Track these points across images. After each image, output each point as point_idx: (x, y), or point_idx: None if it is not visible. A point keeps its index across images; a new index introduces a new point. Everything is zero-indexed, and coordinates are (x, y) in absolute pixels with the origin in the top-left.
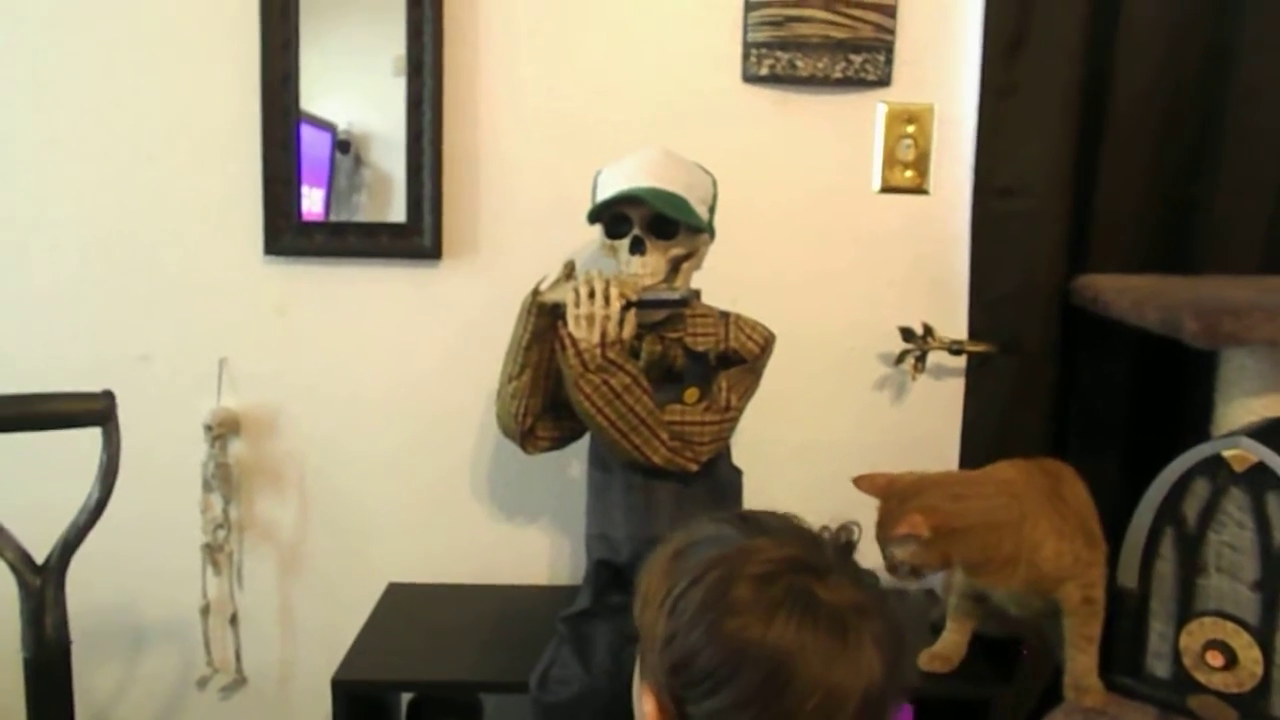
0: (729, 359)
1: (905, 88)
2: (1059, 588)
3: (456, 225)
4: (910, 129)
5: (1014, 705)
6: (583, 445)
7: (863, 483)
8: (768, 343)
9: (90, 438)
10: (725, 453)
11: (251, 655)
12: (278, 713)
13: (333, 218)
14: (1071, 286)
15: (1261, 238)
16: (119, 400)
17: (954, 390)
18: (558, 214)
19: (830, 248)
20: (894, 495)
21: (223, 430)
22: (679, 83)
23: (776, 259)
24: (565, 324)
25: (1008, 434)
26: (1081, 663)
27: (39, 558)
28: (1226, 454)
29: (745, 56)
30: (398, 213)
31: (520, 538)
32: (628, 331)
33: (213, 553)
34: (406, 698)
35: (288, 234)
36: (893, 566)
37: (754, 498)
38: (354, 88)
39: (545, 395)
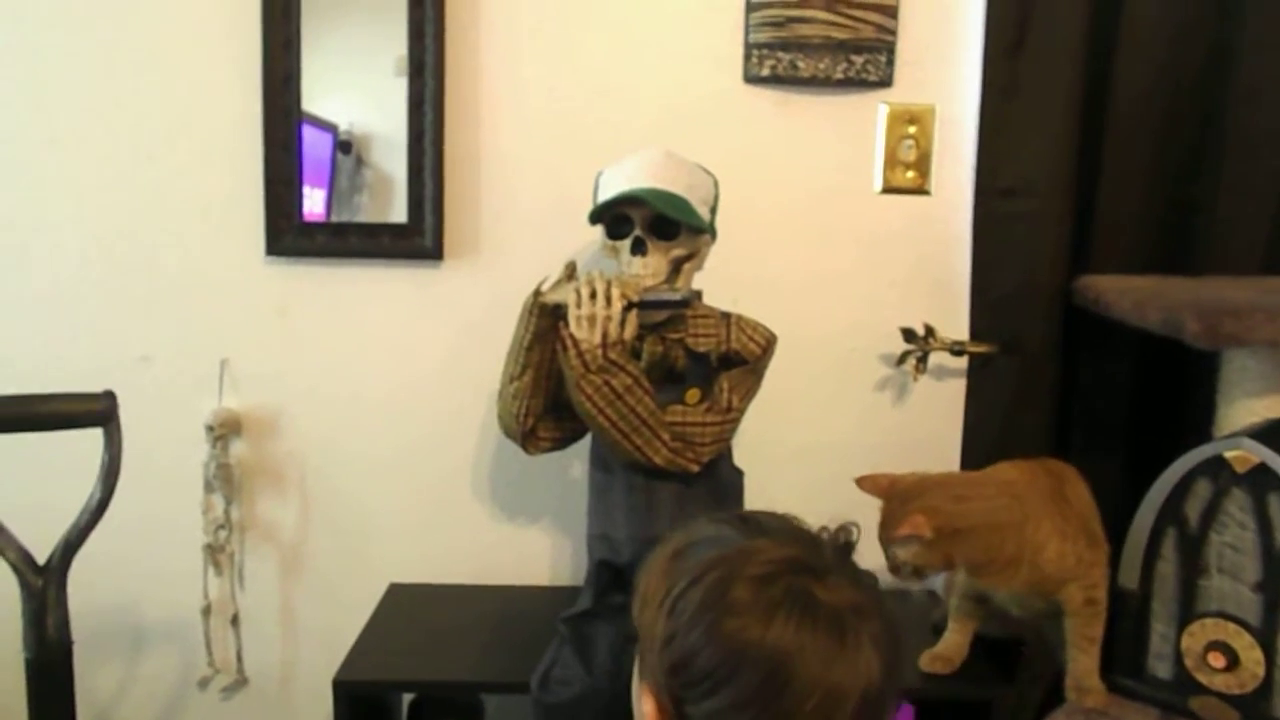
0: (730, 360)
1: (906, 88)
2: (1061, 589)
3: (458, 226)
4: (912, 130)
5: (1015, 706)
6: (584, 446)
7: (865, 483)
8: (769, 343)
9: (92, 438)
10: (727, 454)
11: (253, 656)
12: (279, 713)
13: (334, 218)
14: (1073, 287)
15: (1263, 238)
16: (120, 401)
17: (955, 391)
18: (559, 215)
19: (832, 248)
20: (896, 496)
21: (224, 431)
22: (680, 83)
23: (778, 260)
24: (567, 325)
25: (1009, 435)
26: (1083, 664)
27: (41, 558)
28: (1228, 455)
29: (747, 57)
30: (399, 213)
31: (521, 538)
32: (629, 332)
33: (214, 553)
34: (408, 698)
35: (289, 234)
36: (895, 567)
37: (755, 498)
38: (355, 88)
39: (547, 396)
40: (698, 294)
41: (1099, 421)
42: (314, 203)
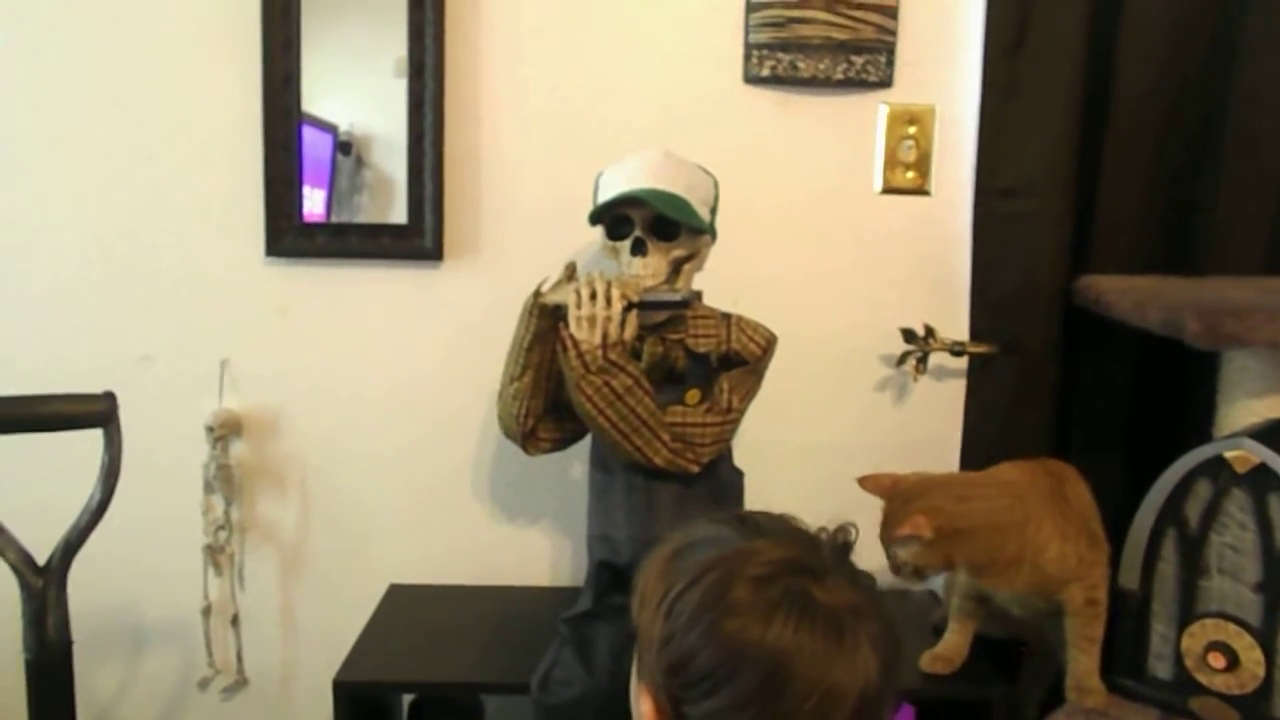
0: (730, 360)
1: (906, 89)
2: (1062, 589)
3: (458, 226)
4: (912, 130)
5: (1015, 707)
6: (584, 446)
7: (867, 483)
8: (769, 344)
9: (92, 439)
10: (727, 454)
11: (253, 656)
12: (279, 714)
13: (334, 219)
14: (1073, 287)
15: (1263, 239)
16: (120, 401)
17: (955, 391)
18: (559, 215)
19: (832, 249)
20: (898, 496)
21: (224, 431)
22: (680, 84)
23: (778, 260)
24: (567, 325)
25: (1009, 435)
26: (1083, 664)
27: (41, 559)
28: (1228, 455)
29: (747, 58)
30: (399, 214)
31: (522, 539)
32: (629, 333)
33: (214, 554)
34: (408, 699)
35: (289, 235)
36: (896, 567)
37: (755, 499)
38: (355, 89)
39: (547, 396)
40: (698, 294)
41: (1099, 422)
42: (314, 203)
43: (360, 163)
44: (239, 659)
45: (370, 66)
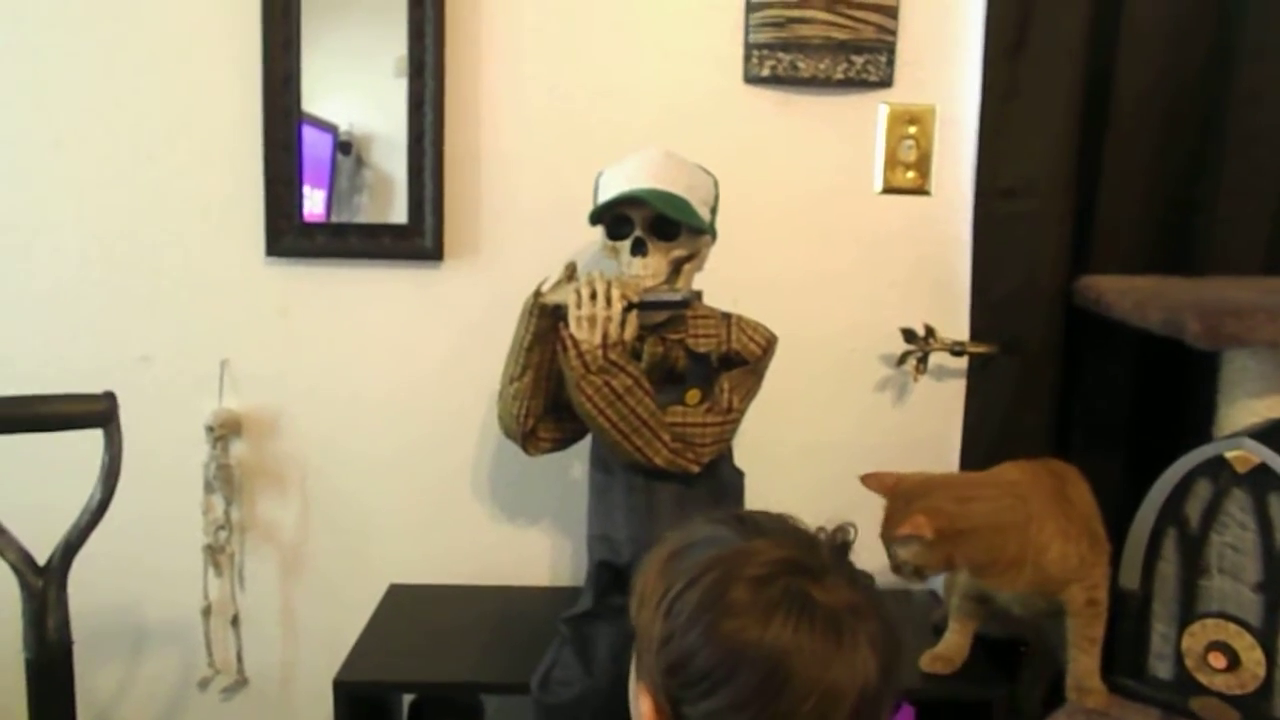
0: (731, 360)
1: (907, 89)
2: (1064, 589)
3: (458, 226)
4: (912, 130)
5: (1016, 707)
6: (584, 446)
7: (870, 481)
8: (769, 344)
9: (92, 439)
10: (727, 454)
11: (253, 656)
12: (279, 714)
13: (334, 219)
14: (1073, 287)
15: (1264, 239)
16: (120, 401)
17: (956, 391)
18: (559, 215)
19: (832, 249)
20: (900, 495)
21: (224, 431)
22: (681, 84)
23: (778, 260)
24: (567, 325)
25: (1009, 435)
26: (1084, 664)
27: (41, 559)
28: (1229, 455)
29: (747, 57)
30: (399, 214)
31: (522, 539)
32: (629, 333)
33: (214, 554)
34: (408, 699)
35: (289, 235)
36: (897, 566)
37: (756, 499)
38: (355, 88)
39: (547, 396)
40: (698, 294)
41: (1099, 422)
42: (314, 203)
43: (360, 162)
44: (239, 659)
45: (370, 66)
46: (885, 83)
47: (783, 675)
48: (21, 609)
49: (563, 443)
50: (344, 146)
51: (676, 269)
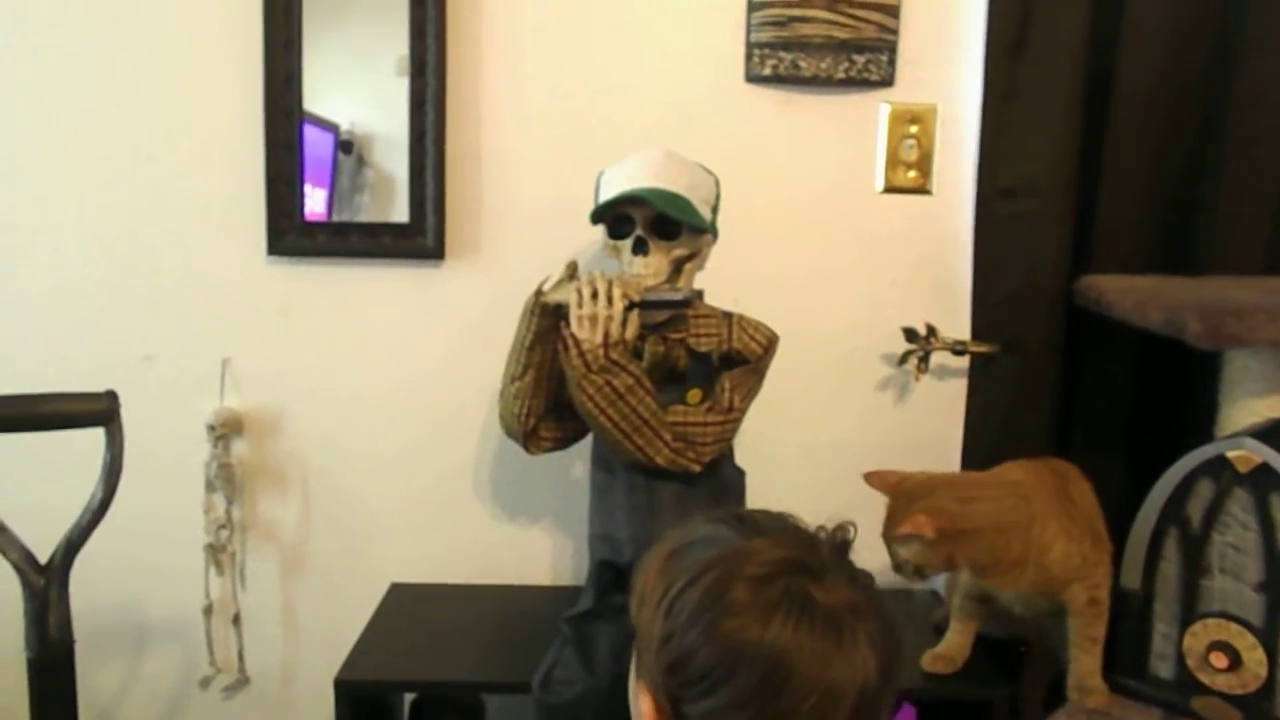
0: (732, 359)
1: (908, 88)
2: (1065, 589)
3: (459, 225)
4: (913, 129)
5: (1019, 706)
6: (585, 446)
7: (873, 479)
8: (771, 343)
9: (93, 438)
10: (728, 453)
11: (254, 655)
12: (280, 713)
13: (335, 218)
14: (1075, 287)
15: (1265, 239)
16: (122, 400)
17: (957, 391)
18: (560, 214)
19: (833, 248)
20: (903, 493)
21: (226, 430)
22: (682, 83)
23: (779, 259)
24: (568, 325)
25: (1010, 435)
26: (1085, 664)
27: (43, 557)
28: (1230, 455)
29: (748, 56)
30: (400, 213)
31: (523, 538)
32: (630, 332)
33: (215, 553)
34: (409, 698)
35: (291, 234)
36: (897, 565)
37: (757, 498)
38: (357, 88)
39: (548, 396)
40: (699, 294)
41: (1100, 422)
42: (315, 202)
43: (361, 162)
44: (240, 658)
45: (371, 65)
46: (886, 82)
47: (783, 674)
48: (23, 608)
49: (564, 442)
50: (345, 146)
51: (678, 268)
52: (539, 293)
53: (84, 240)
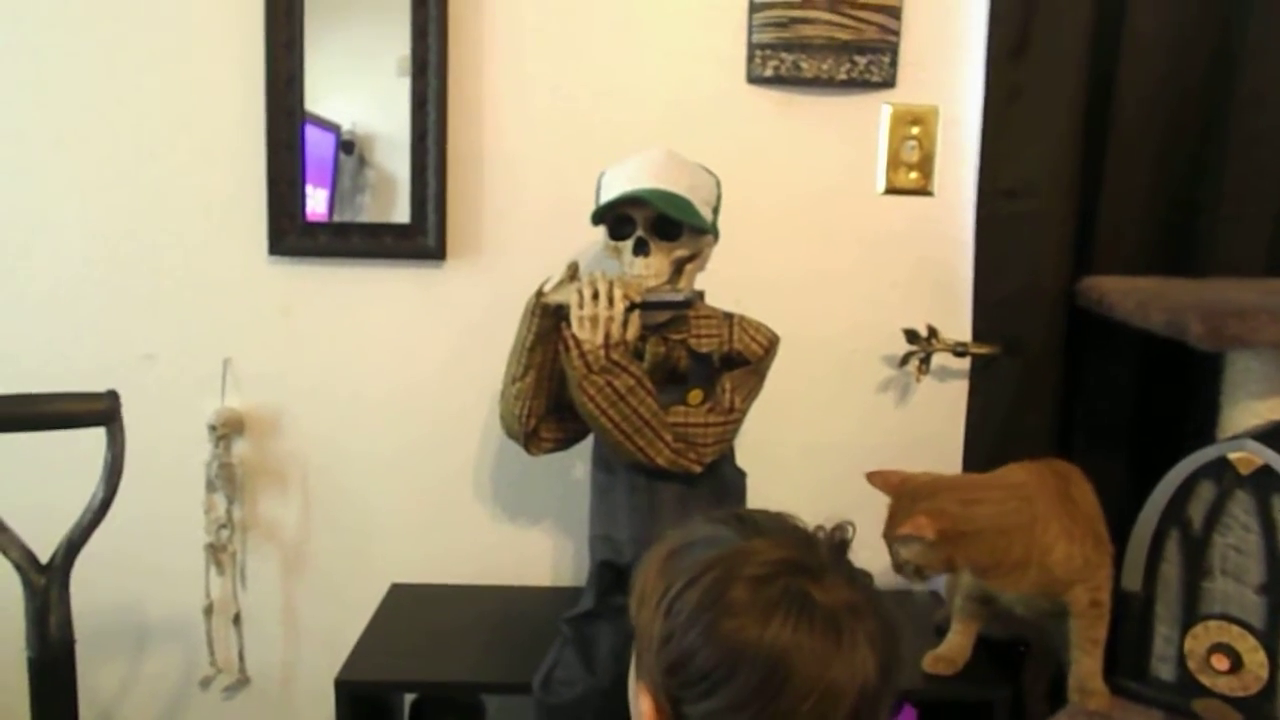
0: (733, 360)
1: (910, 89)
2: (1067, 590)
3: (460, 226)
4: (915, 131)
5: (1021, 707)
6: (586, 446)
7: (875, 479)
8: (772, 344)
9: (94, 438)
10: (729, 454)
11: (255, 655)
12: (281, 713)
13: (337, 218)
14: (1076, 288)
15: (1266, 240)
16: (123, 400)
17: (958, 392)
18: (562, 215)
19: (834, 249)
20: (905, 494)
21: (227, 430)
22: (683, 84)
23: (780, 260)
24: (569, 325)
25: (1012, 436)
26: (1086, 665)
27: (43, 557)
28: (1232, 457)
29: (750, 58)
30: (402, 213)
31: (523, 539)
32: (631, 333)
33: (216, 553)
34: (409, 698)
35: (292, 234)
36: (898, 565)
37: (758, 499)
38: (358, 88)
39: (549, 396)
40: (700, 294)
41: (1102, 423)
42: (317, 203)
43: (363, 162)
44: (241, 658)
45: (373, 66)
46: (888, 83)
47: (782, 674)
48: (24, 607)
49: (565, 443)
50: (347, 146)
51: (679, 269)
52: (540, 293)
53: (85, 240)
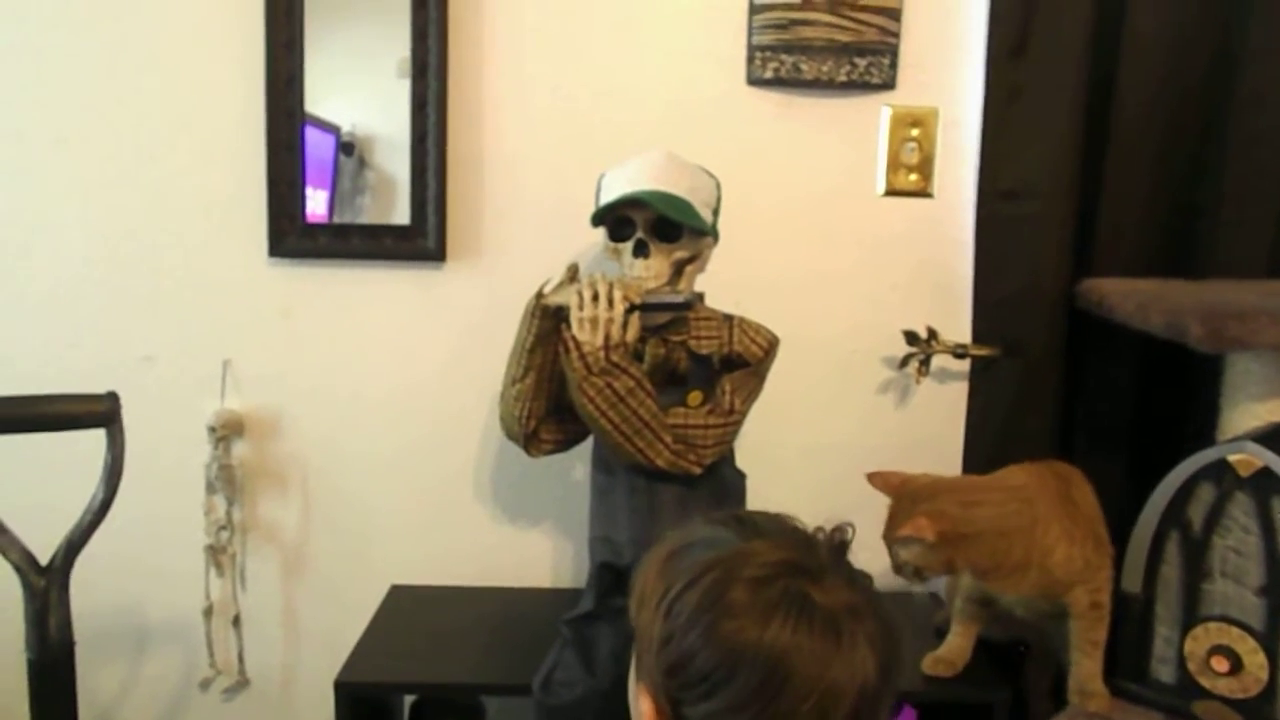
0: (732, 362)
1: (910, 91)
2: (1067, 592)
3: (460, 227)
4: (914, 132)
5: (1024, 708)
6: (586, 448)
7: (876, 479)
8: (771, 346)
9: (94, 439)
10: (729, 456)
11: (254, 657)
12: (280, 714)
13: (337, 220)
14: (1076, 290)
15: (1267, 242)
16: (123, 401)
17: (958, 393)
18: (561, 216)
19: (834, 251)
20: (905, 495)
21: (226, 432)
22: (683, 85)
23: (780, 262)
24: (569, 327)
25: (1011, 438)
26: (1086, 667)
27: (43, 559)
28: (1232, 459)
29: (750, 59)
30: (402, 215)
31: (523, 540)
32: (631, 334)
33: (216, 554)
34: (409, 700)
35: (292, 236)
36: (898, 567)
37: (758, 500)
38: (358, 89)
39: (549, 398)
40: (700, 296)
41: (1102, 425)
42: (317, 204)
43: (363, 163)
44: (240, 660)
45: (373, 67)
46: (888, 85)
47: (782, 675)
48: (24, 609)
49: (564, 444)
50: (346, 147)
51: (678, 270)
52: (540, 295)
53: (85, 241)
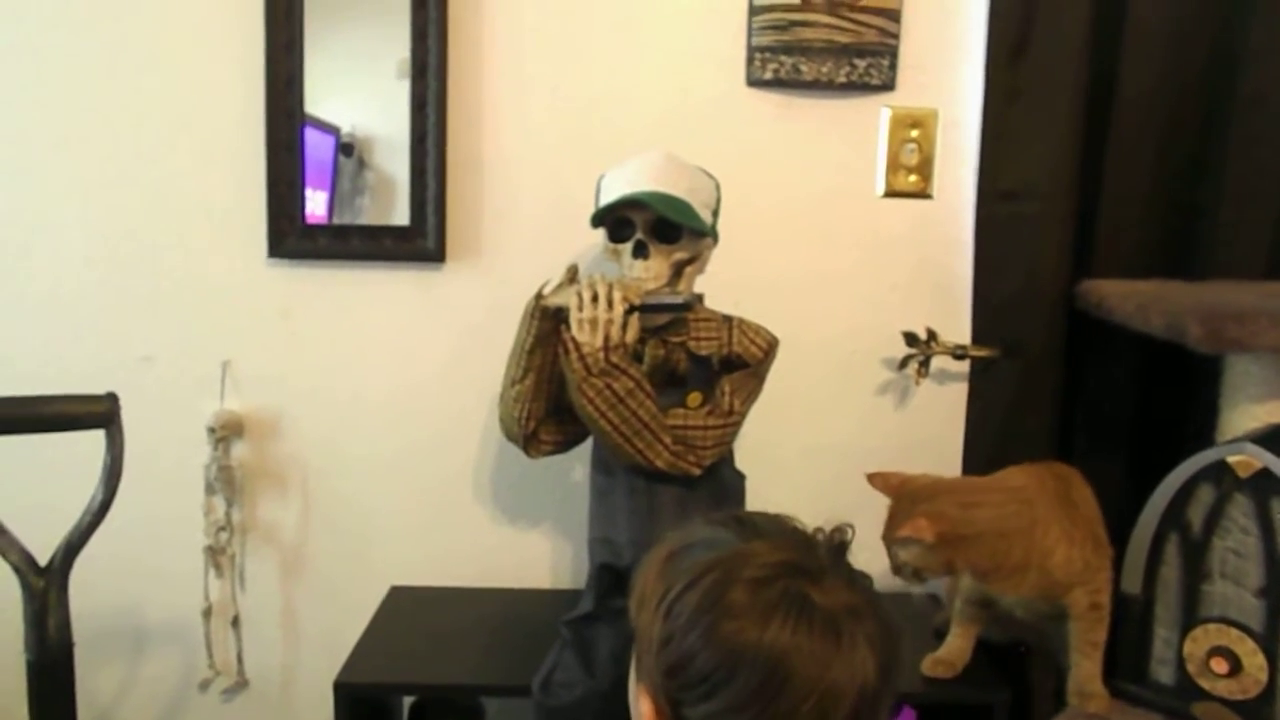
0: (732, 363)
1: (909, 92)
2: (1067, 593)
3: (460, 228)
4: (914, 133)
5: (1026, 709)
6: (585, 449)
7: (876, 480)
8: (771, 347)
9: (94, 440)
10: (728, 457)
11: (253, 658)
12: (280, 715)
13: (336, 220)
14: (1075, 291)
15: (1266, 243)
16: (122, 402)
17: (957, 395)
18: (561, 217)
19: (834, 252)
20: (905, 496)
21: (226, 432)
22: (683, 86)
23: (780, 263)
24: (568, 328)
25: (1011, 439)
26: (1086, 669)
27: (42, 560)
28: (1231, 460)
29: (749, 60)
30: (401, 215)
31: (523, 541)
32: (631, 335)
33: (215, 555)
34: (409, 701)
35: (291, 236)
36: (897, 567)
37: (757, 501)
38: (358, 90)
39: (548, 399)
40: (699, 297)
41: (1101, 426)
42: (316, 205)
43: (362, 164)
44: (240, 660)
45: (373, 68)
46: (887, 86)
47: (782, 676)
48: (23, 610)
49: (564, 445)
50: (346, 148)
51: (678, 271)
52: (539, 296)
53: (85, 241)
